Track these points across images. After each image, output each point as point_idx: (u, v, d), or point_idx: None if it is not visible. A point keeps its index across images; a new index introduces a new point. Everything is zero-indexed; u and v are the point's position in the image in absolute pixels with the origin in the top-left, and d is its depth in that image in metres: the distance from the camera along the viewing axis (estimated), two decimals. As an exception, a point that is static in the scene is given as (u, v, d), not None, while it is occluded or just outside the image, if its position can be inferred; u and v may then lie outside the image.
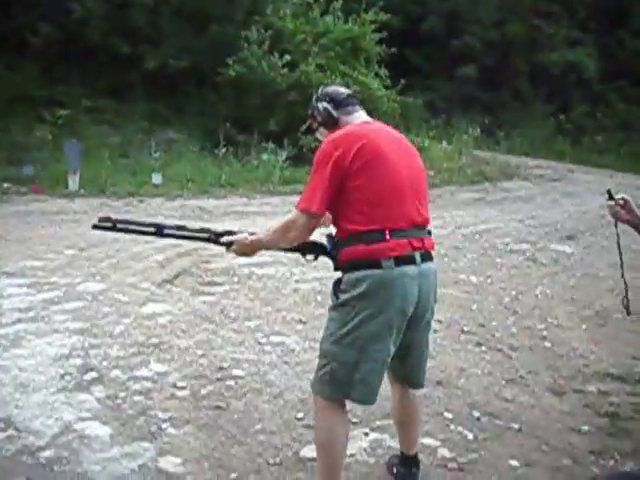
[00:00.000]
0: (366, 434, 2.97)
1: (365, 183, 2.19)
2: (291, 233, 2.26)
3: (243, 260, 4.94)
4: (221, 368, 3.60)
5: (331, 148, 2.22)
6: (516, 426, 3.13)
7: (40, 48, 12.25)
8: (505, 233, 7.50)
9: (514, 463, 2.81)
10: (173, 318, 4.34)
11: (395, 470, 2.63)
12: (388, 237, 2.17)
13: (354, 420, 2.97)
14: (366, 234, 2.18)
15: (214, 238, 2.47)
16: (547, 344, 4.30)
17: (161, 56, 12.81)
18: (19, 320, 4.17)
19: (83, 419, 2.99)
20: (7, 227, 7.10)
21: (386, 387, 2.47)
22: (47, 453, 2.69)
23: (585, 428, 3.15)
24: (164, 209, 8.76)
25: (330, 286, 2.34)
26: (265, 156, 11.46)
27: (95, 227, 2.51)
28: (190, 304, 4.66)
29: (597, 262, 6.46)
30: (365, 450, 2.84)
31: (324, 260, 2.48)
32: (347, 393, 2.25)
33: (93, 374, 3.45)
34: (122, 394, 3.25)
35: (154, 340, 3.95)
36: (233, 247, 2.41)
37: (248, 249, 2.41)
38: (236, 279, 5.27)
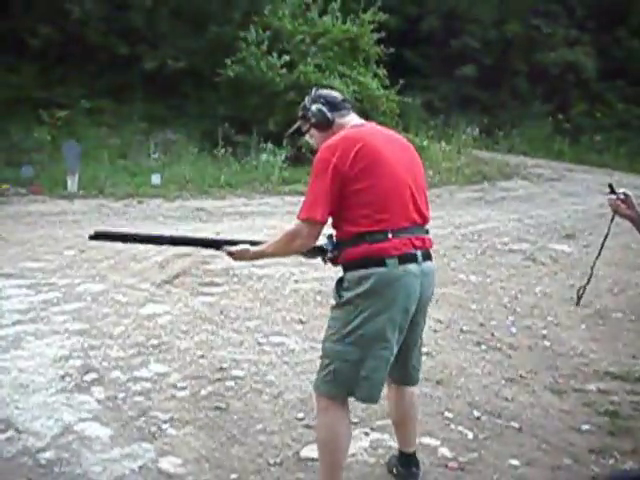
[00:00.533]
0: (366, 434, 2.97)
1: (366, 186, 2.20)
2: (296, 242, 2.28)
3: (243, 261, 4.95)
4: (221, 368, 3.60)
5: (329, 154, 2.22)
6: (516, 425, 3.13)
7: (39, 49, 12.27)
8: (504, 232, 7.49)
9: (514, 462, 2.81)
10: (173, 319, 4.34)
11: (395, 470, 2.63)
12: (391, 236, 2.19)
13: (354, 420, 2.97)
14: (369, 234, 2.19)
15: (215, 247, 2.57)
16: (547, 343, 4.30)
17: (160, 57, 12.84)
18: (19, 321, 4.17)
19: (83, 420, 2.99)
20: (6, 228, 7.09)
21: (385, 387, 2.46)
22: (47, 454, 2.69)
23: (585, 427, 3.15)
24: (163, 210, 8.75)
25: (330, 286, 2.34)
26: (264, 156, 11.46)
27: (92, 238, 2.58)
28: (190, 305, 4.65)
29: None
30: (366, 450, 2.84)
31: (324, 260, 2.48)
32: (352, 391, 2.26)
33: (93, 375, 3.45)
34: (122, 395, 3.25)
35: (154, 341, 3.94)
36: (233, 256, 2.46)
37: (248, 259, 2.50)
38: (236, 279, 5.27)
